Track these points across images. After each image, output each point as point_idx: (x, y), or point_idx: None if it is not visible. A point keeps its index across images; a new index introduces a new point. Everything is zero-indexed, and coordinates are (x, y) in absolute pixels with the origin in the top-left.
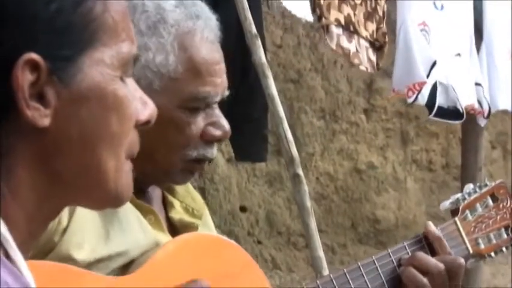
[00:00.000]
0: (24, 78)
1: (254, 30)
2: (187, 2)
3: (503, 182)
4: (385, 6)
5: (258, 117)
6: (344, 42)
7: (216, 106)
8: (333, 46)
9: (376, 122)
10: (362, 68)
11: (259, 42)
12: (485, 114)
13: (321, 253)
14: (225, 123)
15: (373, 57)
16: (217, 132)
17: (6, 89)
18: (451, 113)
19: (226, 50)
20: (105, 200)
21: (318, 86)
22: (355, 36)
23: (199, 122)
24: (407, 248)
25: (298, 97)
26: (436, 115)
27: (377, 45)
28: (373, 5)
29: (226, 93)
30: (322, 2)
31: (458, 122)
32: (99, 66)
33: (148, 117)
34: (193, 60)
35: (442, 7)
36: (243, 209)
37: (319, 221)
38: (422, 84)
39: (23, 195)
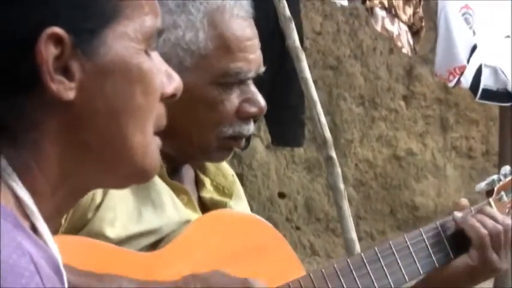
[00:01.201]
0: (49, 52)
1: (288, 13)
2: None
3: None
4: None
5: (295, 103)
6: (388, 24)
7: (250, 82)
8: (378, 28)
9: (415, 109)
10: (404, 50)
11: (293, 25)
12: None
13: (354, 235)
14: (261, 99)
15: (411, 41)
16: (252, 109)
17: (32, 64)
18: (501, 95)
19: (264, 36)
20: (131, 175)
21: (357, 72)
22: (396, 20)
23: (234, 99)
24: (439, 227)
25: (337, 84)
26: (482, 98)
27: (414, 30)
28: None
29: (262, 69)
30: None
31: (506, 104)
32: (123, 40)
33: (173, 90)
34: (223, 36)
35: None
36: (281, 195)
37: (358, 208)
38: (462, 68)
39: (49, 169)
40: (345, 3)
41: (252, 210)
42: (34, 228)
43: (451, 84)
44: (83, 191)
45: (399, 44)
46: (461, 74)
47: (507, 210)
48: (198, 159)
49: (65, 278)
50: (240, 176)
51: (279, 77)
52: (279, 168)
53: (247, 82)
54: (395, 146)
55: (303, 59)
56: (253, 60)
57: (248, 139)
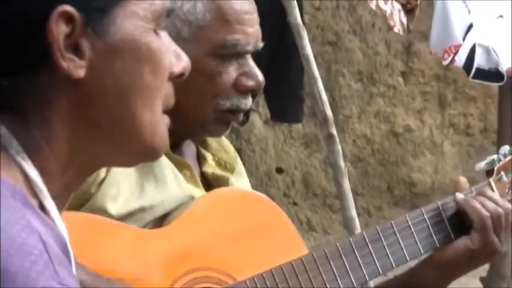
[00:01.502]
0: (59, 30)
1: None
2: None
3: None
4: None
5: (294, 79)
6: (381, 3)
7: (249, 56)
8: (373, 6)
9: (413, 85)
10: (395, 29)
11: (294, 2)
12: None
13: (353, 213)
14: (259, 73)
15: (404, 20)
16: (250, 82)
17: (42, 42)
18: (492, 74)
19: (263, 12)
20: (140, 153)
21: (356, 48)
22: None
23: (231, 71)
24: (440, 207)
25: (336, 59)
26: (475, 77)
27: (408, 8)
28: None
29: (260, 44)
30: None
31: (498, 84)
32: (133, 19)
33: (182, 70)
34: (221, 8)
35: None
36: (279, 170)
37: (356, 184)
38: (457, 47)
39: (59, 148)
40: None
41: (250, 185)
42: (42, 207)
43: (446, 63)
44: (91, 169)
45: (391, 23)
46: (456, 52)
47: (507, 190)
48: (197, 134)
49: (72, 256)
50: (238, 151)
51: (279, 52)
52: (277, 143)
53: (246, 56)
54: (393, 122)
55: (304, 36)
56: (251, 33)
57: (247, 114)
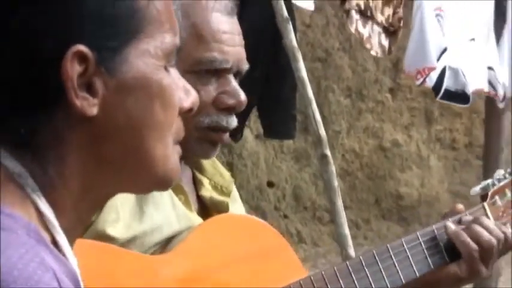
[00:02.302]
0: (73, 69)
1: (285, 13)
2: None
3: None
4: None
5: (287, 97)
6: (360, 27)
7: (230, 76)
8: (352, 30)
9: (401, 101)
10: (372, 52)
11: (290, 26)
12: (500, 99)
13: (346, 231)
14: (241, 93)
15: (385, 42)
16: (230, 101)
17: (57, 80)
18: (459, 96)
19: (257, 32)
20: (152, 183)
21: (345, 65)
22: (370, 22)
23: (210, 89)
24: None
25: (326, 76)
26: (442, 97)
27: (391, 30)
28: None
29: (245, 66)
30: None
31: (464, 106)
32: (144, 57)
33: (191, 105)
34: (196, 26)
35: None
36: (270, 184)
37: (344, 197)
38: (431, 69)
39: (73, 184)
40: (311, 7)
41: (241, 199)
42: (55, 241)
43: (418, 83)
44: (103, 201)
45: (368, 46)
46: (428, 74)
47: (501, 213)
48: (184, 156)
49: None
50: (230, 165)
51: (272, 71)
52: (268, 157)
53: (226, 75)
54: (381, 137)
55: (299, 58)
56: (229, 52)
57: (241, 131)
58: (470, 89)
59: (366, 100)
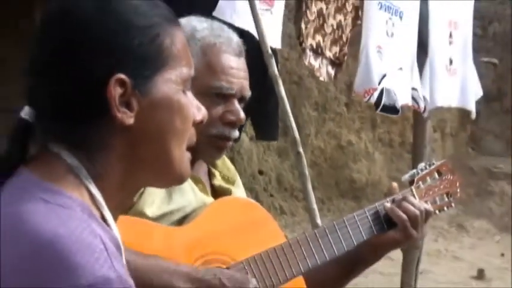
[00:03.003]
0: (116, 91)
1: (270, 51)
2: (215, 25)
3: (446, 161)
4: (349, 35)
5: (271, 110)
6: (312, 60)
7: (235, 100)
8: (306, 62)
9: (353, 113)
10: (321, 79)
11: (273, 60)
12: (422, 110)
13: (314, 206)
14: (241, 113)
15: (332, 71)
16: (232, 117)
17: (104, 99)
18: (392, 109)
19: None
20: (171, 179)
21: (313, 87)
22: (320, 57)
23: (218, 108)
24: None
25: (299, 95)
26: (381, 110)
27: (337, 63)
28: (340, 34)
29: (248, 93)
30: (304, 32)
31: (396, 115)
32: (168, 83)
33: (202, 118)
34: (210, 61)
35: (392, 35)
36: (260, 172)
37: (313, 181)
38: (374, 90)
39: (114, 176)
40: (279, 46)
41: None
42: (102, 216)
43: (365, 100)
44: (137, 190)
45: (317, 74)
46: (373, 93)
47: (423, 194)
48: (198, 157)
49: (123, 251)
50: (232, 159)
51: (261, 93)
52: (259, 153)
53: (231, 99)
54: (340, 139)
55: (280, 83)
56: (234, 82)
57: (236, 140)
58: (399, 104)
59: (328, 112)
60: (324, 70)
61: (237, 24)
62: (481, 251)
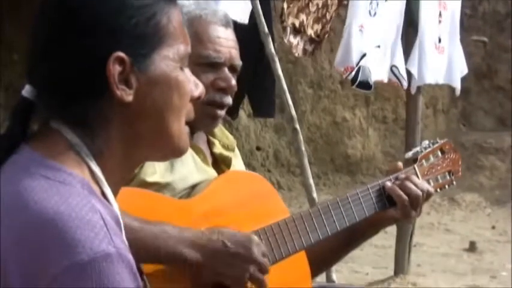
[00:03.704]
0: (115, 69)
1: (266, 30)
2: (201, 1)
3: (449, 140)
4: (334, 14)
5: (268, 87)
6: (291, 38)
7: (225, 68)
8: (286, 40)
9: (348, 90)
10: (296, 55)
11: (269, 39)
12: (405, 87)
13: (311, 180)
14: (232, 80)
15: (309, 48)
16: (223, 84)
17: (103, 77)
18: (365, 84)
19: (248, 42)
20: (170, 152)
21: (309, 65)
22: (299, 35)
23: (209, 76)
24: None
25: (296, 73)
26: (356, 87)
27: (317, 40)
28: (324, 12)
29: (238, 62)
30: (286, 11)
31: (367, 92)
32: (165, 60)
33: (199, 94)
34: (197, 32)
35: (375, 14)
36: (258, 148)
37: (309, 157)
38: (352, 68)
39: (115, 151)
40: (246, 21)
41: None
42: (102, 192)
43: (344, 76)
44: (138, 164)
45: (294, 51)
46: (351, 71)
47: (426, 172)
48: (196, 127)
49: (122, 226)
50: None
51: (259, 68)
52: (256, 130)
53: (221, 67)
54: (335, 115)
55: (276, 61)
56: (221, 50)
57: (237, 112)
58: (372, 80)
59: (323, 89)
60: (300, 47)
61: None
62: (472, 223)
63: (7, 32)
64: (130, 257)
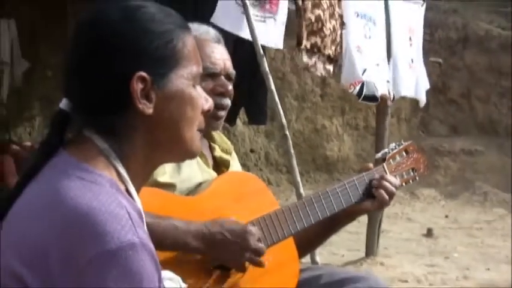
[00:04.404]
0: (138, 86)
1: (262, 52)
2: (195, 24)
3: (413, 142)
4: (342, 36)
5: (261, 100)
6: (306, 58)
7: (222, 77)
8: (304, 60)
9: (327, 102)
10: (317, 74)
11: (264, 59)
12: (392, 100)
13: (299, 179)
14: (228, 85)
15: (330, 67)
16: (221, 89)
17: (128, 93)
18: (371, 97)
19: (246, 60)
20: (184, 155)
21: (294, 81)
22: (316, 55)
23: (209, 84)
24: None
25: (283, 88)
26: (363, 99)
27: (335, 59)
28: (335, 36)
29: (232, 71)
30: (302, 35)
31: (375, 103)
32: (181, 79)
33: (208, 107)
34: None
35: (370, 37)
36: (252, 151)
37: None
38: (359, 82)
39: (139, 155)
40: (281, 47)
41: None
42: (127, 190)
43: (350, 91)
44: (157, 166)
45: (313, 70)
46: (356, 86)
47: (393, 170)
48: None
49: (144, 219)
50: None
51: (254, 86)
52: (250, 135)
53: (218, 76)
54: (316, 123)
55: (270, 78)
56: (217, 62)
57: (232, 121)
58: (378, 94)
59: (306, 102)
60: (320, 66)
61: (230, 29)
62: (430, 213)
63: (42, 51)
64: (151, 246)
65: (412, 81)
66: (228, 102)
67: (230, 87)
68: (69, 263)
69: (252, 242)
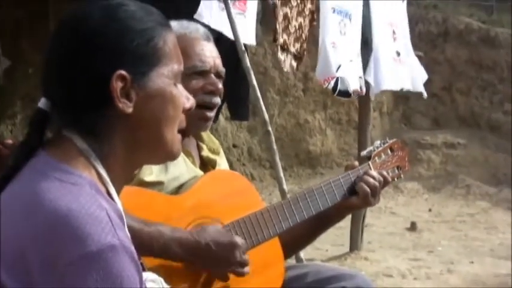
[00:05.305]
0: (117, 85)
1: (243, 48)
2: (184, 22)
3: (398, 140)
4: (308, 33)
5: (244, 95)
6: (280, 54)
7: (211, 75)
8: (278, 56)
9: (309, 97)
10: (285, 69)
11: (246, 55)
12: (364, 94)
13: (281, 174)
14: (218, 83)
15: (294, 64)
16: (211, 87)
17: (108, 92)
18: (345, 93)
19: (230, 57)
20: (165, 157)
21: (276, 76)
22: (285, 52)
23: (199, 82)
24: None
25: (265, 82)
26: (337, 94)
27: (298, 56)
28: (300, 33)
29: (222, 69)
30: (278, 31)
31: (348, 99)
32: (161, 77)
33: (190, 106)
34: (183, 48)
35: (345, 33)
36: (234, 146)
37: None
38: (332, 78)
39: (118, 155)
40: (253, 43)
41: None
42: (108, 191)
43: (324, 86)
44: (137, 168)
45: (282, 65)
46: (331, 81)
47: (378, 167)
48: (188, 132)
49: (125, 221)
50: None
51: (236, 81)
52: (233, 130)
53: (208, 74)
54: (298, 118)
55: (251, 73)
56: (207, 60)
57: (217, 115)
58: (351, 89)
59: (288, 96)
60: (287, 63)
61: (214, 26)
62: (413, 207)
63: (24, 49)
64: (132, 248)
65: (401, 74)
66: (218, 100)
67: (220, 85)
68: (49, 266)
69: (237, 255)
